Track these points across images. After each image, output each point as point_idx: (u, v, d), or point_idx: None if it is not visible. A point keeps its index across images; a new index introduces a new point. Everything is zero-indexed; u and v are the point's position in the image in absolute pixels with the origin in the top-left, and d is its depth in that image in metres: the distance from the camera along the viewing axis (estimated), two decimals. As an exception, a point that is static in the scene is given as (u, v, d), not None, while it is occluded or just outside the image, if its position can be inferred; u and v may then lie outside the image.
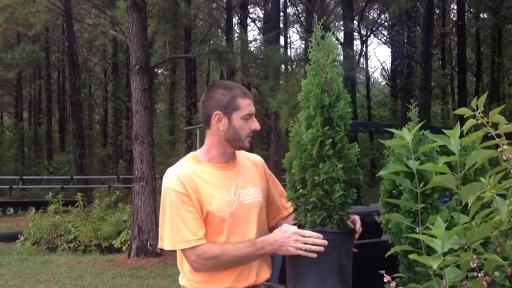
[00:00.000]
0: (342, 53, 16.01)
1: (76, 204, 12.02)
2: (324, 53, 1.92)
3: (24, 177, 25.37)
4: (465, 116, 1.73)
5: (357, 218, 2.09)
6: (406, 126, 2.16)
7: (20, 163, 31.58)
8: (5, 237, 12.70)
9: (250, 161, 2.32)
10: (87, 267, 9.21)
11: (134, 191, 10.06)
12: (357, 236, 2.09)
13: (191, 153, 2.26)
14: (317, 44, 1.96)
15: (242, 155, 2.28)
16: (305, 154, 1.93)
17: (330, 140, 1.90)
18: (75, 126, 23.95)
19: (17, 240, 11.65)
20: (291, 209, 2.21)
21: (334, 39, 1.97)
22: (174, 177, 2.10)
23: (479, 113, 1.68)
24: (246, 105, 2.14)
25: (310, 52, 1.99)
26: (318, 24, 1.97)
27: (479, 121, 1.69)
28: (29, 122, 36.09)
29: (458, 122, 1.70)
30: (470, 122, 1.71)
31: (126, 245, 10.45)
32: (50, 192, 12.54)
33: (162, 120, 31.73)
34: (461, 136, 1.68)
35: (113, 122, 30.71)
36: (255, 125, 2.17)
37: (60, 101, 33.49)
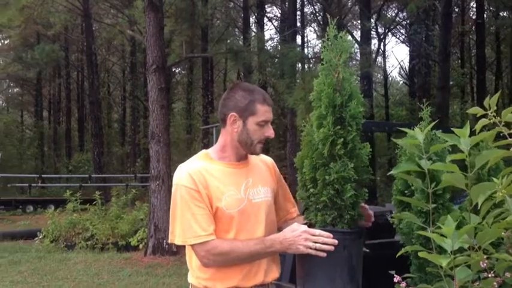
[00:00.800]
0: (358, 52, 15.91)
1: (94, 203, 12.14)
2: (337, 52, 1.92)
3: (43, 175, 25.66)
4: (477, 116, 1.72)
5: (366, 206, 2.11)
6: (418, 125, 2.16)
7: (40, 161, 31.95)
8: (24, 235, 12.86)
9: (262, 161, 2.33)
10: (104, 265, 9.30)
11: (151, 190, 10.12)
12: (370, 220, 2.12)
13: (203, 151, 2.27)
14: (329, 44, 1.96)
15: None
16: (316, 153, 1.94)
17: (342, 139, 1.90)
18: (94, 125, 24.16)
19: (36, 238, 11.81)
20: (295, 215, 2.29)
21: (347, 39, 1.96)
22: (184, 174, 2.11)
23: (491, 113, 1.66)
24: (264, 111, 2.14)
25: (323, 52, 1.99)
26: (331, 24, 1.97)
27: (491, 120, 1.67)
28: (49, 121, 36.53)
29: (468, 122, 1.68)
30: (482, 122, 1.70)
31: (143, 243, 10.53)
32: (68, 191, 12.66)
33: (179, 119, 31.89)
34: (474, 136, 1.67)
35: (130, 121, 30.93)
36: (270, 132, 2.16)
37: (79, 100, 33.83)
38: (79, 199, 12.32)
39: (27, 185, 23.88)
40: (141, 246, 10.59)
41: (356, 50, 16.51)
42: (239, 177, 2.18)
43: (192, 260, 2.18)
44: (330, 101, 1.89)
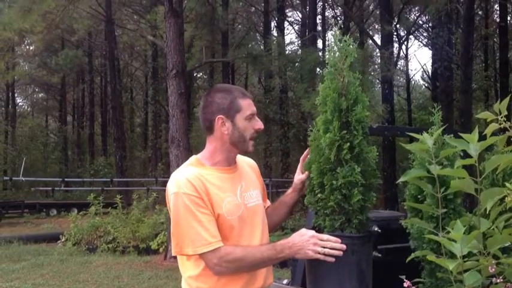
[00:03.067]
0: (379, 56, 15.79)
1: (115, 206, 12.26)
2: (341, 56, 1.92)
3: (66, 179, 26.00)
4: (488, 120, 1.70)
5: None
6: (429, 130, 2.14)
7: (64, 165, 32.38)
8: (48, 238, 13.04)
9: (247, 164, 2.31)
10: (125, 268, 9.39)
11: (170, 194, 10.15)
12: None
13: (193, 157, 2.23)
14: (334, 48, 1.95)
15: (240, 158, 2.26)
16: (323, 158, 1.93)
17: (348, 144, 1.90)
18: (116, 130, 24.40)
19: (59, 241, 11.98)
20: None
21: (351, 42, 1.95)
22: (184, 181, 2.03)
23: (502, 117, 1.64)
24: (248, 105, 2.10)
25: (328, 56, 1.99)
26: (334, 25, 1.97)
27: (501, 125, 1.65)
28: (73, 126, 37.01)
29: (477, 126, 1.66)
30: (492, 126, 1.68)
31: (163, 246, 10.60)
32: (91, 194, 12.82)
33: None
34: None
35: (152, 125, 31.16)
36: (259, 124, 2.12)
37: (103, 105, 34.17)
38: (101, 203, 12.47)
39: (51, 188, 24.19)
40: (161, 249, 10.67)
41: (378, 54, 16.41)
42: (233, 182, 2.13)
43: (187, 270, 2.08)
44: (335, 106, 1.88)
